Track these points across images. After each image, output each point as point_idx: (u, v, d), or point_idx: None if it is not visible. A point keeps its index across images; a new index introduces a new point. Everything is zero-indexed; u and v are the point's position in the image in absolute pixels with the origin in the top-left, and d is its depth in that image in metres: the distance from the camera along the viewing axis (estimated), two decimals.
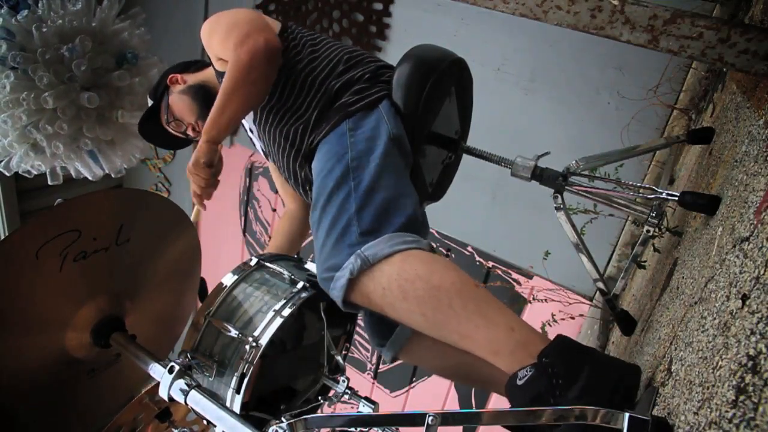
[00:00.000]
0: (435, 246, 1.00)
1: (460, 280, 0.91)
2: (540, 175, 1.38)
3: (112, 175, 2.68)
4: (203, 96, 1.39)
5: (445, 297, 0.88)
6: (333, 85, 1.20)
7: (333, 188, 1.04)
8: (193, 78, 1.44)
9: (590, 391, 0.76)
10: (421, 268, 0.91)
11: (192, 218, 1.27)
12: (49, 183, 2.52)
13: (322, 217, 1.03)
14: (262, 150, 1.41)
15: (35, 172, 2.48)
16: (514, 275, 2.85)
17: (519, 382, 0.81)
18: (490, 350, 0.86)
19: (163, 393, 0.96)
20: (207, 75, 1.43)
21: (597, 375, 0.78)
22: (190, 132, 1.46)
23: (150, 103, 1.49)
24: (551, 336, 0.87)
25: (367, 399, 1.19)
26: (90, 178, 2.63)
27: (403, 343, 1.26)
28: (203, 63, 1.48)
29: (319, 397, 1.20)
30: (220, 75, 1.29)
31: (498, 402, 2.82)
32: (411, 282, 0.90)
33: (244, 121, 1.39)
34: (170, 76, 1.44)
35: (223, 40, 1.20)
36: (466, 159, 1.51)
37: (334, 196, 1.03)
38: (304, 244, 1.61)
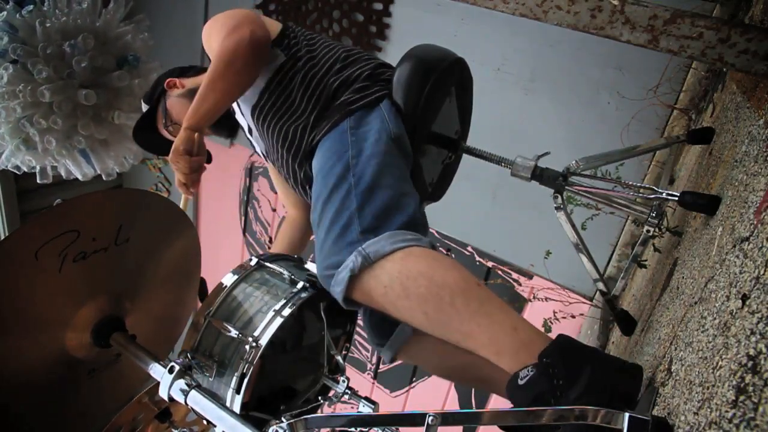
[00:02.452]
0: (436, 245, 1.00)
1: (462, 279, 0.90)
2: (540, 175, 1.38)
3: (103, 177, 2.67)
4: None
5: (447, 295, 0.88)
6: (332, 83, 1.20)
7: (333, 186, 1.03)
8: (191, 82, 1.43)
9: (591, 391, 0.76)
10: (423, 265, 0.91)
11: (180, 206, 1.28)
12: (38, 181, 2.51)
13: (323, 215, 1.02)
14: (262, 152, 1.41)
15: (25, 169, 2.46)
16: (514, 275, 2.85)
17: (520, 383, 0.80)
18: (493, 350, 0.86)
19: (163, 393, 0.96)
20: None
21: (598, 375, 0.77)
22: None
23: (145, 107, 1.49)
24: (554, 335, 0.86)
25: (367, 399, 1.18)
26: (80, 177, 2.62)
27: (403, 343, 1.26)
28: (200, 68, 1.49)
29: (319, 397, 1.20)
30: None
31: (498, 402, 2.81)
32: (413, 280, 0.89)
33: (243, 122, 1.39)
34: (168, 80, 1.44)
35: (216, 36, 1.20)
36: (466, 159, 1.51)
37: (335, 194, 1.02)
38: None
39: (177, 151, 1.16)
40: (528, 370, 0.81)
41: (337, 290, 0.95)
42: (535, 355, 0.82)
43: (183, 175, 1.20)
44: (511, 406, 0.81)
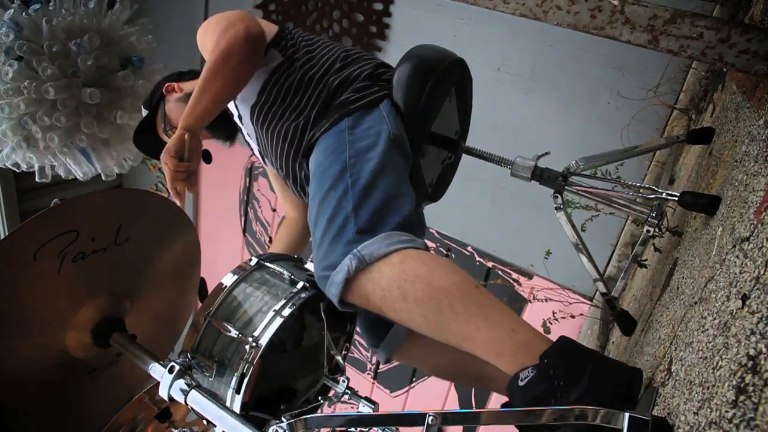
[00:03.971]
0: (436, 246, 1.00)
1: (461, 281, 0.90)
2: (540, 175, 1.38)
3: (103, 177, 2.67)
4: None
5: (445, 298, 0.87)
6: (331, 82, 1.20)
7: (330, 186, 1.03)
8: (189, 86, 1.42)
9: (592, 393, 0.75)
10: (421, 268, 0.90)
11: (178, 203, 1.24)
12: (37, 180, 2.52)
13: (320, 215, 1.02)
14: (260, 153, 1.41)
15: (24, 167, 2.47)
16: (514, 275, 2.85)
17: (521, 383, 0.80)
18: (493, 352, 0.85)
19: (163, 393, 0.96)
20: None
21: (599, 377, 0.77)
22: None
23: (144, 112, 1.49)
24: (554, 334, 0.86)
25: (367, 399, 1.18)
26: (79, 177, 2.62)
27: (398, 344, 1.26)
28: (199, 71, 1.48)
29: (319, 397, 1.20)
30: None
31: (498, 402, 2.81)
32: (411, 283, 0.89)
33: (241, 126, 1.39)
34: (166, 85, 1.44)
35: (211, 36, 1.19)
36: (466, 159, 1.51)
37: (331, 194, 1.02)
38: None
39: (167, 152, 1.10)
40: (528, 371, 0.80)
41: (332, 292, 0.94)
42: (533, 356, 0.82)
43: (170, 179, 1.13)
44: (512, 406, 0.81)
